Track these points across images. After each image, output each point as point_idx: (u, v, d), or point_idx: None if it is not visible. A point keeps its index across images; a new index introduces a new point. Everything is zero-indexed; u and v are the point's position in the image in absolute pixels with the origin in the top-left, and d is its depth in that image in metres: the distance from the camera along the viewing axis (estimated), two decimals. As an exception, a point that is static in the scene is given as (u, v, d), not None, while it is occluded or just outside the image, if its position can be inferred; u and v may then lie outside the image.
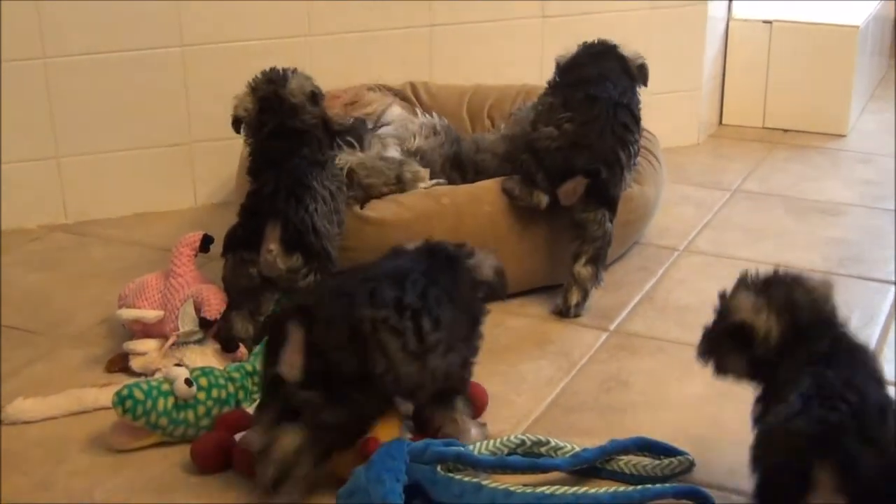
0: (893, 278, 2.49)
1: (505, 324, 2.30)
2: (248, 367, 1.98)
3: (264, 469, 1.68)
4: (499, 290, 1.89)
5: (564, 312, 2.33)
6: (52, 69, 2.73)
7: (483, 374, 1.98)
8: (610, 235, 2.32)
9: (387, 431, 1.78)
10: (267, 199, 2.09)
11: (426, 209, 2.35)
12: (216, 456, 1.81)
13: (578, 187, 2.28)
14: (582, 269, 2.31)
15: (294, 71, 2.34)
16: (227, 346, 2.08)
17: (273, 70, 2.33)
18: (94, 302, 2.39)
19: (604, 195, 2.30)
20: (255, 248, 2.07)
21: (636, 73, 2.52)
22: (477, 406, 1.92)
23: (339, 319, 1.67)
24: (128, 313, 2.14)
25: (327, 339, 1.65)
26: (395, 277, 1.74)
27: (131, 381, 1.90)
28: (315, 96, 2.32)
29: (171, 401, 1.86)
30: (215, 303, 2.08)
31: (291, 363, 1.65)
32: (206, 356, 2.06)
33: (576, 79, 2.45)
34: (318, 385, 1.65)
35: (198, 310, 2.08)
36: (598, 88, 2.39)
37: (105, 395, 1.96)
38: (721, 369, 1.74)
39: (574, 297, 2.32)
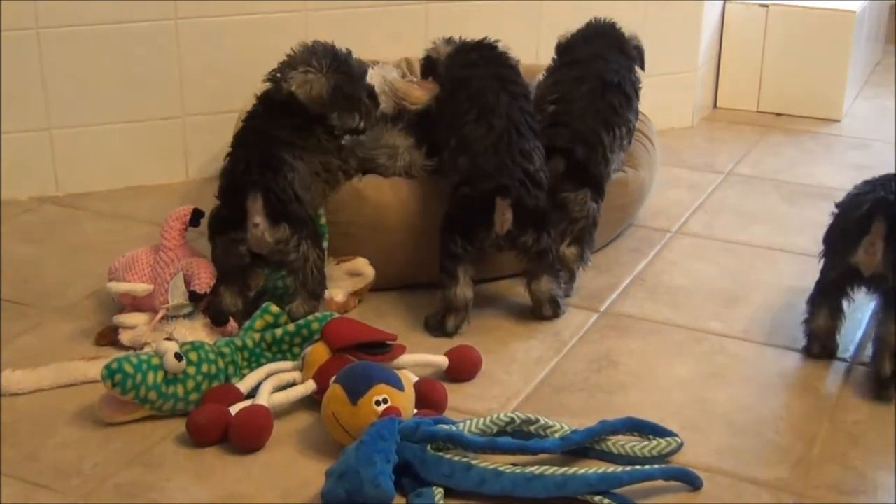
0: (884, 264, 2.49)
1: (496, 303, 2.31)
2: (238, 343, 1.98)
3: None
4: None
5: None
6: (46, 40, 2.71)
7: (473, 352, 2.00)
8: (594, 216, 2.29)
9: (404, 403, 1.79)
10: (241, 175, 2.08)
11: (427, 190, 2.34)
12: (213, 428, 1.81)
13: (557, 166, 2.26)
14: (566, 250, 2.30)
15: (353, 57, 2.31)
16: (217, 320, 2.08)
17: (336, 54, 2.28)
18: (85, 275, 2.38)
19: (583, 175, 2.27)
20: (241, 226, 2.06)
21: (633, 54, 2.51)
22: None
23: None
24: (118, 286, 2.14)
25: None
26: None
27: (120, 354, 1.89)
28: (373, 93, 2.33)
29: (160, 375, 1.86)
30: (205, 276, 2.08)
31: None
32: (195, 330, 2.06)
33: (570, 59, 2.44)
34: None
35: (188, 283, 2.07)
36: (588, 68, 2.38)
37: (94, 369, 1.96)
38: None
39: (560, 276, 2.29)
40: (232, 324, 2.08)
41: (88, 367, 1.99)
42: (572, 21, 2.73)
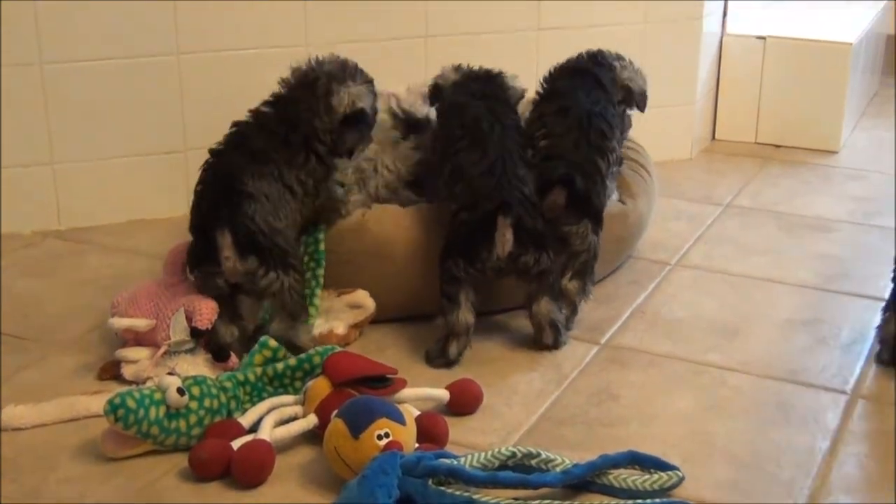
0: (884, 295, 2.50)
1: (496, 335, 2.31)
2: (240, 377, 1.99)
3: None
4: None
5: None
6: (49, 75, 2.73)
7: (474, 386, 2.00)
8: (595, 248, 2.30)
9: (406, 437, 1.80)
10: (207, 213, 2.11)
11: (429, 219, 2.35)
12: (216, 463, 1.81)
13: (558, 198, 2.26)
14: (568, 284, 2.30)
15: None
16: (218, 355, 2.09)
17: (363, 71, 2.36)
18: (88, 309, 2.39)
19: (585, 205, 2.28)
20: (214, 259, 2.08)
21: (609, 86, 2.48)
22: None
23: None
24: (119, 322, 2.14)
25: None
26: None
27: (123, 389, 1.90)
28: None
29: (162, 410, 1.86)
30: (206, 312, 2.09)
31: None
32: (197, 365, 2.07)
33: (550, 91, 2.46)
34: None
35: (189, 319, 2.08)
36: (568, 99, 2.39)
37: (96, 403, 1.96)
38: None
39: (561, 312, 2.29)
40: (233, 359, 2.09)
41: (91, 402, 1.99)
42: (571, 55, 2.75)
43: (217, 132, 2.80)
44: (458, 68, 2.49)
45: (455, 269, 2.16)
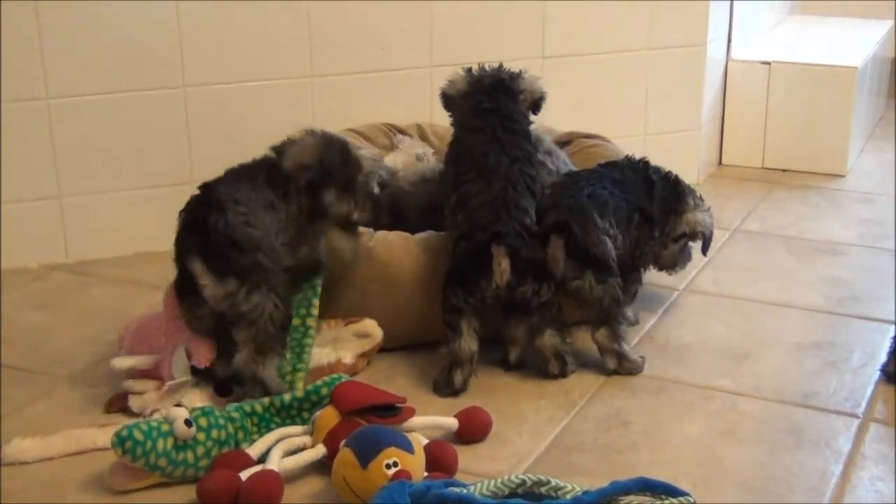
0: (893, 317, 2.49)
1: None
2: (247, 408, 1.98)
3: None
4: None
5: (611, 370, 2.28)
6: (55, 109, 2.74)
7: (483, 413, 1.99)
8: (611, 297, 2.22)
9: (415, 466, 1.79)
10: (178, 239, 2.06)
11: (437, 245, 2.35)
12: (224, 494, 1.80)
13: (556, 251, 2.21)
14: (598, 336, 2.25)
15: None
16: (220, 391, 2.07)
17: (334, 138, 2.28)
18: (95, 341, 2.39)
19: (580, 253, 2.21)
20: (194, 289, 2.03)
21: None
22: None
23: None
24: (121, 363, 2.13)
25: None
26: None
27: (130, 421, 1.89)
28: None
29: (170, 441, 1.85)
30: (205, 351, 2.07)
31: None
32: (203, 398, 2.05)
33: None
34: None
35: (190, 357, 2.07)
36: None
37: (103, 436, 1.95)
38: None
39: (609, 363, 2.26)
40: (237, 394, 2.07)
41: (97, 435, 1.99)
42: (577, 83, 2.77)
43: (223, 164, 2.80)
44: (468, 71, 2.44)
45: (454, 298, 2.16)
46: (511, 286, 2.15)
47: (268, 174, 2.13)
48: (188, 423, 1.87)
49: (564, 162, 2.55)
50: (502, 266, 2.13)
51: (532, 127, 2.43)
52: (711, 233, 2.52)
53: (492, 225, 2.15)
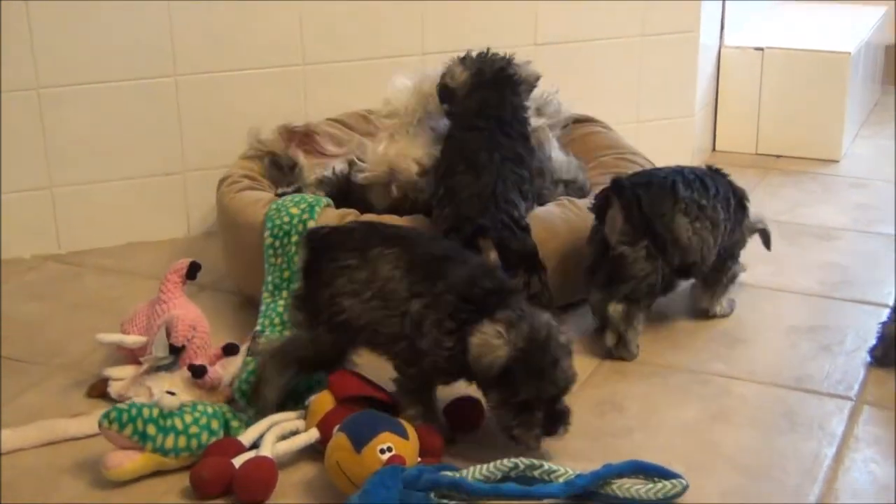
0: (887, 301, 2.49)
1: (499, 349, 2.30)
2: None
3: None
4: None
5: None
6: (46, 99, 2.74)
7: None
8: (649, 281, 2.23)
9: (409, 451, 1.79)
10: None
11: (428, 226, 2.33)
12: (217, 482, 1.80)
13: (615, 213, 2.24)
14: (612, 308, 2.24)
15: None
16: (195, 371, 2.04)
17: None
18: (88, 331, 2.37)
19: (641, 221, 2.22)
20: None
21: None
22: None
23: None
24: (107, 337, 2.15)
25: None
26: None
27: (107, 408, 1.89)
28: None
29: (156, 411, 1.86)
30: (182, 329, 2.07)
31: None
32: (175, 384, 2.04)
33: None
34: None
35: (168, 335, 2.08)
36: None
37: (76, 426, 1.98)
38: None
39: (609, 339, 2.26)
40: (212, 375, 2.06)
41: (69, 425, 1.99)
42: (569, 71, 2.76)
43: (215, 154, 2.82)
44: (464, 60, 2.43)
45: None
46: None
47: None
48: (171, 392, 1.90)
49: (567, 168, 2.56)
50: (491, 259, 2.13)
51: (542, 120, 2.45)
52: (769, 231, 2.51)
53: (479, 217, 2.15)
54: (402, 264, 1.91)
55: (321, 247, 1.99)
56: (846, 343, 2.32)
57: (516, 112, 2.39)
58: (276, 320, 2.23)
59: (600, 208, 2.28)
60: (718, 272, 2.40)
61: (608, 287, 2.26)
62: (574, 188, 2.57)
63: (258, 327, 2.23)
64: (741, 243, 2.45)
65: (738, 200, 2.42)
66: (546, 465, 1.78)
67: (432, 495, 1.68)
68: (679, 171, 2.33)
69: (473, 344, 1.82)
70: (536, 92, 2.56)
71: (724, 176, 2.44)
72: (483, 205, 2.17)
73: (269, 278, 2.30)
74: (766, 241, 2.51)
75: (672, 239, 2.25)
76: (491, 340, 1.81)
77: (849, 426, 2.01)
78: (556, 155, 2.58)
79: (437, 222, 2.25)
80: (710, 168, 2.45)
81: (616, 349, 2.26)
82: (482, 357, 1.81)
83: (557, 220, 2.40)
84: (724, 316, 2.43)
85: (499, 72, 2.41)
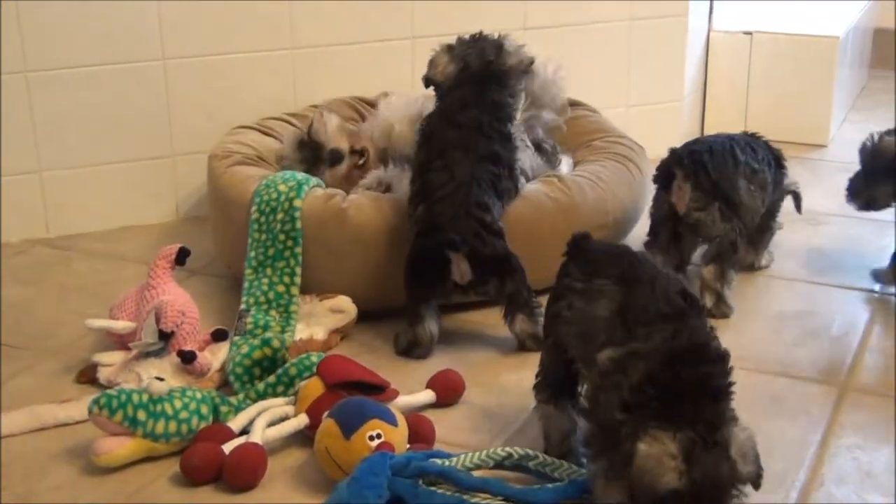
0: (874, 287, 2.50)
1: (485, 335, 2.31)
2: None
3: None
4: None
5: None
6: (34, 83, 2.73)
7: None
8: (730, 238, 2.36)
9: (398, 438, 1.80)
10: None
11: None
12: (207, 467, 1.81)
13: (682, 184, 2.36)
14: (705, 272, 2.37)
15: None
16: (185, 357, 2.05)
17: None
18: (77, 315, 2.37)
19: (709, 185, 2.35)
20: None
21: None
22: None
23: None
24: (96, 323, 2.15)
25: None
26: None
27: (96, 394, 1.89)
28: None
29: (145, 396, 1.86)
30: (171, 314, 2.07)
31: None
32: (163, 370, 2.05)
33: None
34: None
35: (158, 321, 2.08)
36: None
37: (64, 412, 1.98)
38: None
39: (708, 300, 2.35)
40: (201, 360, 2.07)
41: (58, 411, 1.99)
42: (558, 54, 2.76)
43: (204, 138, 2.82)
44: (450, 49, 2.42)
45: (416, 290, 2.19)
46: (473, 284, 2.18)
47: None
48: (160, 378, 1.90)
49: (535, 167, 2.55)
50: (462, 268, 2.15)
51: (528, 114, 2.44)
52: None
53: (449, 227, 2.14)
54: (615, 306, 1.65)
55: (573, 254, 1.81)
56: (833, 329, 2.33)
57: (498, 110, 2.36)
58: (262, 298, 2.24)
59: (665, 179, 2.39)
60: (761, 231, 2.53)
61: (670, 251, 2.41)
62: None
63: (243, 306, 2.24)
64: (779, 203, 2.58)
65: (778, 162, 2.53)
66: (541, 457, 1.78)
67: (420, 482, 1.69)
68: (731, 137, 2.46)
69: (640, 451, 1.49)
70: (540, 77, 2.58)
71: (763, 140, 2.56)
72: (455, 211, 2.16)
73: (253, 254, 2.30)
74: (798, 203, 2.61)
75: (738, 200, 2.36)
76: (663, 458, 1.48)
77: (834, 412, 2.03)
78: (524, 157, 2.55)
79: (411, 221, 2.25)
80: (747, 134, 2.57)
81: (716, 308, 2.33)
82: (644, 473, 1.48)
83: (544, 198, 2.41)
84: (766, 267, 2.59)
85: (486, 66, 2.39)
